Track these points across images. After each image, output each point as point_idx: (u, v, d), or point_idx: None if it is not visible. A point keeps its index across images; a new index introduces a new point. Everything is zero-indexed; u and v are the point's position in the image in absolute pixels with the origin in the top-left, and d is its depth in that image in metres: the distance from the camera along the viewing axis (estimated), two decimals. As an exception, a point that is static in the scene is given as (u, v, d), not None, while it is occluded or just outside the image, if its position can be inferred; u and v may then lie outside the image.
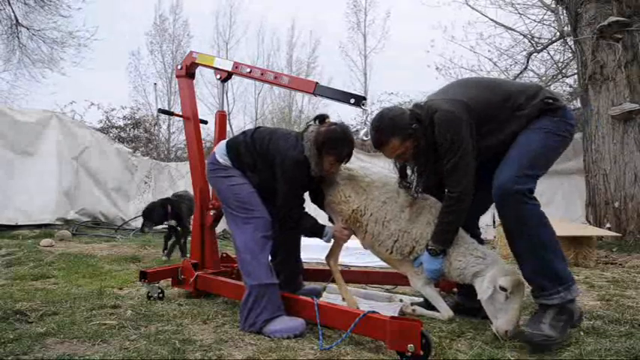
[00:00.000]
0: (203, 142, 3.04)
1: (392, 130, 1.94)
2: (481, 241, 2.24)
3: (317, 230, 2.27)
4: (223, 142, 2.40)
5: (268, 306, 1.97)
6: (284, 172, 2.16)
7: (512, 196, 1.73)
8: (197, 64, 2.90)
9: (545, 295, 1.75)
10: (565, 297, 1.73)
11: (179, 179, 9.51)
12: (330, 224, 2.43)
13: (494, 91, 1.91)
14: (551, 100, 1.85)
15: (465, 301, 2.24)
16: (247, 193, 2.23)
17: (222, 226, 3.28)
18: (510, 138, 1.89)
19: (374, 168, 2.45)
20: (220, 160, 2.31)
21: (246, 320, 1.98)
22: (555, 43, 8.14)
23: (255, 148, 2.27)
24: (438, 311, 2.13)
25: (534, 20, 8.33)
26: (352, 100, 2.29)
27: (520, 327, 1.84)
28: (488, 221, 5.75)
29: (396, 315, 2.05)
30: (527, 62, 8.21)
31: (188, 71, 2.93)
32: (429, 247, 2.03)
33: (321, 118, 2.29)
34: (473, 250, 2.01)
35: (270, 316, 1.95)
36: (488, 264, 1.95)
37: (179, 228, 4.39)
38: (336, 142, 2.14)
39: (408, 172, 2.15)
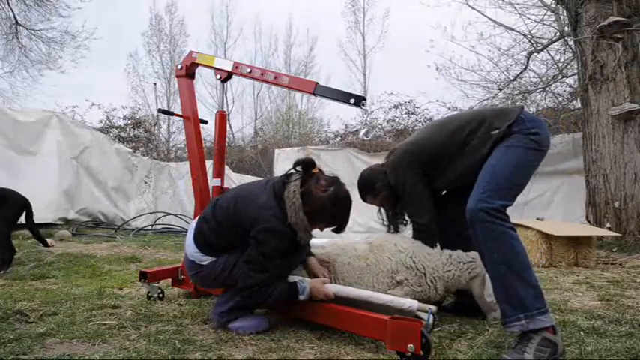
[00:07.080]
0: (203, 142, 3.03)
1: (365, 190, 2.36)
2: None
3: (292, 293, 1.91)
4: (190, 237, 2.04)
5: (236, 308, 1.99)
6: (260, 244, 1.84)
7: (477, 215, 1.69)
8: (197, 64, 2.89)
9: (507, 322, 1.66)
10: (526, 326, 1.61)
11: (179, 179, 9.53)
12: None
13: (439, 131, 2.10)
14: (496, 131, 1.84)
15: (465, 299, 2.24)
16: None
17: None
18: (470, 169, 1.93)
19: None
20: (195, 260, 2.01)
21: (215, 309, 2.04)
22: (555, 43, 8.14)
23: (219, 225, 1.95)
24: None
25: (534, 20, 8.33)
26: (352, 100, 2.28)
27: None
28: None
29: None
30: (528, 62, 8.21)
31: (188, 71, 2.92)
32: None
33: (305, 166, 1.93)
34: (457, 256, 2.11)
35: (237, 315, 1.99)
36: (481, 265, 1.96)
37: None
38: (332, 216, 1.90)
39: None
